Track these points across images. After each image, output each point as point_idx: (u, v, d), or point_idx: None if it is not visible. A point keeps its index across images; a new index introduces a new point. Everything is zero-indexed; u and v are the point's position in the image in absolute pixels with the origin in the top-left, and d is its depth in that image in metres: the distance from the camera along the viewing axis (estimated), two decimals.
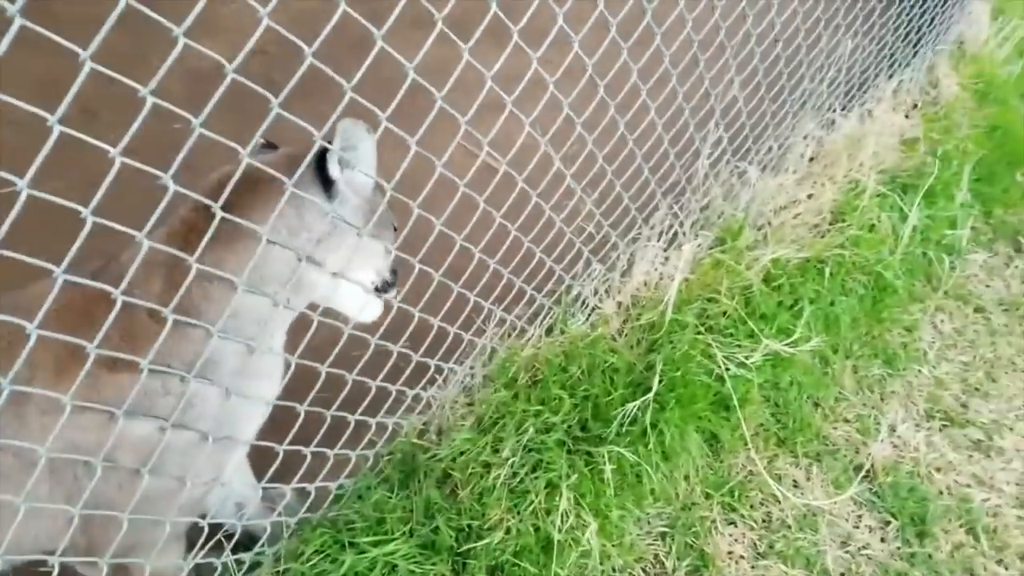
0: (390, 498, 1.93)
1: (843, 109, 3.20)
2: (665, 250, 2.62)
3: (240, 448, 1.55)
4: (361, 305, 1.59)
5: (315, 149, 1.37)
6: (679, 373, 2.21)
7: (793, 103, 2.96)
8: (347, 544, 1.83)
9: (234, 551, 1.74)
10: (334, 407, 1.74)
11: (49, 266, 0.99)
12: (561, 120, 1.89)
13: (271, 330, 1.49)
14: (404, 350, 1.86)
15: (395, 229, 1.62)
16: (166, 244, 1.25)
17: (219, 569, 1.71)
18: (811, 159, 3.03)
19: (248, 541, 1.87)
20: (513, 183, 1.90)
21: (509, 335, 2.28)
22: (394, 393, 1.95)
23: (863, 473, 2.33)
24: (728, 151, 2.76)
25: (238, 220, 1.27)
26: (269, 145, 1.54)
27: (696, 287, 2.52)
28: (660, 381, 2.16)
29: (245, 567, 1.78)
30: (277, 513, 1.78)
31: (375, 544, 1.83)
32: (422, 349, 1.95)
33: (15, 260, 0.93)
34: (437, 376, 2.11)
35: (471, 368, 2.20)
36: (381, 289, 1.61)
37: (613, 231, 2.46)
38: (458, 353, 2.16)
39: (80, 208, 0.96)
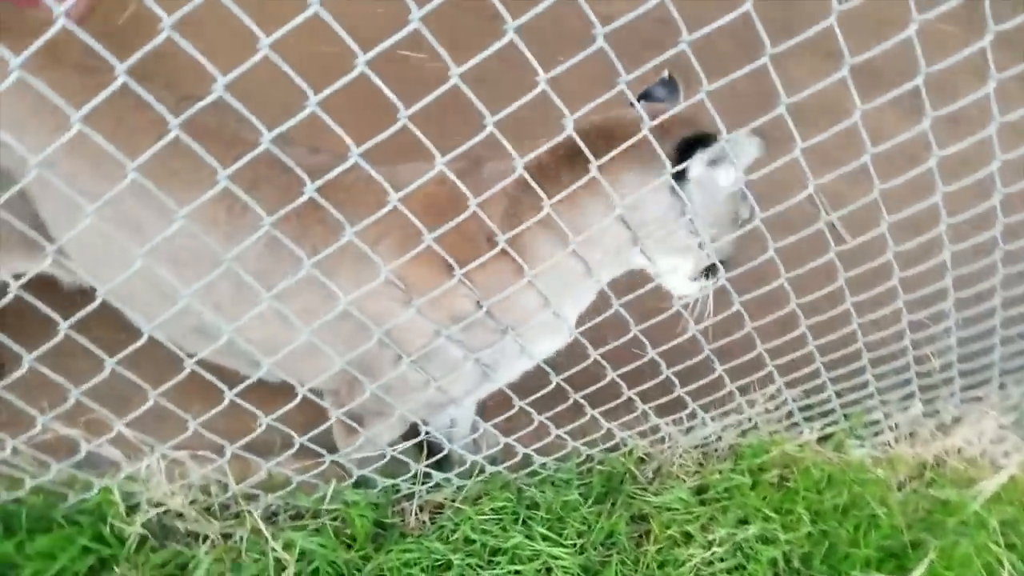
0: (580, 505, 1.82)
1: None
2: (1002, 427, 2.14)
3: (491, 385, 1.52)
4: (676, 284, 1.47)
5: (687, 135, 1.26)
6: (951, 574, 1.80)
7: None
8: (523, 520, 1.76)
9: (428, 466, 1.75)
10: (580, 393, 1.65)
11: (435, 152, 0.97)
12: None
13: (574, 295, 1.42)
14: (672, 376, 1.70)
15: (738, 223, 1.43)
16: (530, 175, 1.19)
17: (412, 472, 1.73)
18: None
19: (438, 464, 1.87)
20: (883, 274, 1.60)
21: (780, 420, 2.02)
22: (639, 409, 1.80)
23: None
24: None
25: (602, 181, 1.18)
26: (668, 82, 1.45)
27: (1021, 490, 2.03)
28: (925, 570, 1.77)
29: (431, 483, 1.79)
30: (483, 452, 1.77)
31: (544, 538, 1.74)
32: (689, 387, 1.76)
33: None
34: (684, 419, 1.92)
35: (722, 429, 1.98)
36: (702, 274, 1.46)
37: (958, 377, 2.04)
38: (717, 403, 1.94)
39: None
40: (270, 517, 1.60)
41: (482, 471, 1.82)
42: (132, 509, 1.50)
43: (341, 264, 1.27)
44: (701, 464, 1.98)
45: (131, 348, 1.22)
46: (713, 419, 1.97)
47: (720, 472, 1.90)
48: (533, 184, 1.19)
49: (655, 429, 1.92)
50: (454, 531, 1.71)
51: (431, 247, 1.18)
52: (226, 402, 1.34)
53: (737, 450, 1.96)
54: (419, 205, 1.15)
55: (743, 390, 1.88)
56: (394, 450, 1.63)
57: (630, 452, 1.92)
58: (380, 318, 1.30)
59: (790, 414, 2.00)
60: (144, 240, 1.09)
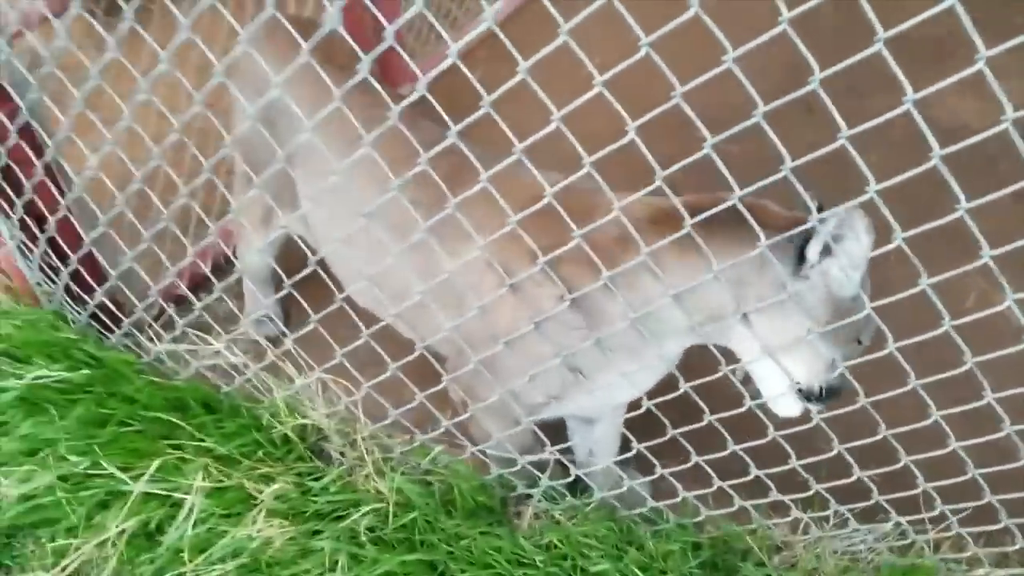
0: (685, 561, 1.74)
1: None
2: None
3: (579, 400, 1.58)
4: (776, 394, 1.41)
5: (807, 225, 1.23)
6: None
7: None
8: (618, 556, 1.74)
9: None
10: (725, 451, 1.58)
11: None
12: None
13: (670, 335, 1.45)
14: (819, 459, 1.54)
15: (859, 343, 1.33)
16: (649, 215, 1.34)
17: (538, 480, 1.83)
18: None
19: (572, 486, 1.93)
20: None
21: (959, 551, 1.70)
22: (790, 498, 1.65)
23: None
24: None
25: (699, 241, 1.24)
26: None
27: None
28: None
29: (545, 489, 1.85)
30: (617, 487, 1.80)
31: None
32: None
33: None
34: (831, 517, 1.72)
35: (874, 540, 1.73)
36: (806, 394, 1.37)
37: None
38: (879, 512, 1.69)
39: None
40: (390, 463, 1.83)
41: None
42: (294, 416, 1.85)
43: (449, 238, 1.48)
44: (845, 572, 1.75)
45: (332, 308, 1.59)
46: (869, 531, 1.74)
47: None
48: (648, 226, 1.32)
49: (796, 524, 1.75)
50: (547, 538, 1.76)
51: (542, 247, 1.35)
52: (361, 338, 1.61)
53: (883, 568, 1.70)
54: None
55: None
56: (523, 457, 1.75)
57: (754, 531, 1.77)
58: (479, 292, 1.49)
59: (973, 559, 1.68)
60: (355, 206, 1.44)
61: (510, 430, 1.70)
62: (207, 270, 1.89)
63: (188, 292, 1.96)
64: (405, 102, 1.25)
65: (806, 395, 1.41)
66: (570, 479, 1.83)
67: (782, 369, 1.35)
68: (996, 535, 1.63)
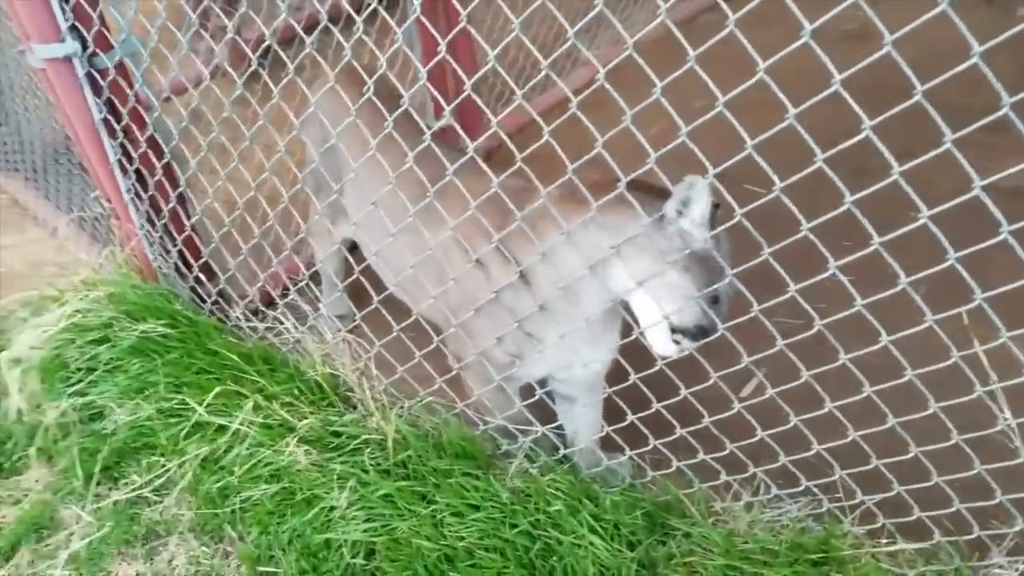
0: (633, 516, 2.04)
1: None
2: None
3: (539, 361, 2.00)
4: (653, 332, 1.75)
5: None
6: None
7: None
8: (577, 508, 2.07)
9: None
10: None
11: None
12: None
13: (584, 289, 1.82)
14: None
15: (717, 301, 1.67)
16: (560, 195, 1.76)
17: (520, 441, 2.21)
18: None
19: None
20: None
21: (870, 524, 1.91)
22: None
23: None
24: None
25: (592, 204, 1.64)
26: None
27: None
28: None
29: (527, 457, 2.22)
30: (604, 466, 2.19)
31: (591, 529, 2.02)
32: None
33: None
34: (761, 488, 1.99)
35: (799, 512, 1.97)
36: (681, 332, 1.69)
37: None
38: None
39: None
40: (396, 409, 2.27)
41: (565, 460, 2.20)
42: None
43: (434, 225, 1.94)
44: (773, 534, 2.00)
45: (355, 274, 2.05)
46: (794, 501, 1.99)
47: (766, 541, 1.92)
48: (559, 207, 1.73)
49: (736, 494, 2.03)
50: (516, 482, 2.13)
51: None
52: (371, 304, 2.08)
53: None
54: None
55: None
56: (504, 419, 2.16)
57: (692, 494, 2.05)
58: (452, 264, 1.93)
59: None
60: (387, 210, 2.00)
61: (489, 386, 2.10)
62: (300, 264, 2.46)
63: (284, 278, 2.53)
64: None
65: (681, 332, 1.72)
66: (559, 455, 2.19)
67: (654, 303, 1.70)
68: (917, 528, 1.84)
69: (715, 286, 1.63)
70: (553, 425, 2.25)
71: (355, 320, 2.45)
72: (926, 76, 1.17)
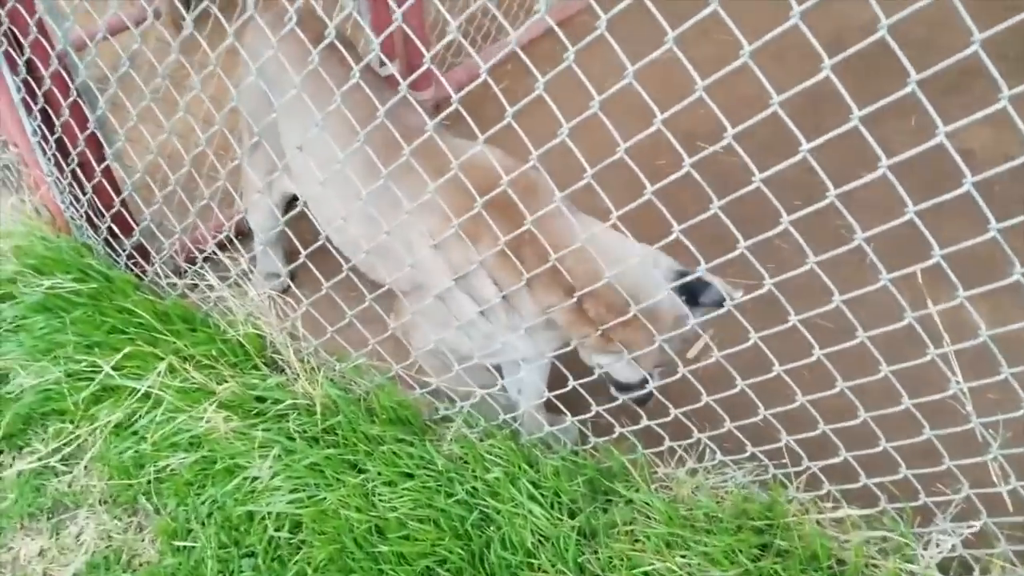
0: (574, 483, 1.96)
1: None
2: None
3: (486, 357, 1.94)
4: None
5: None
6: None
7: None
8: (516, 476, 1.98)
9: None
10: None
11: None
12: None
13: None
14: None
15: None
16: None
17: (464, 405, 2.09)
18: None
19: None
20: None
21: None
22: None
23: None
24: None
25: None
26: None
27: None
28: None
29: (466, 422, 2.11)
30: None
31: (530, 496, 1.92)
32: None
33: None
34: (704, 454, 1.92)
35: (744, 479, 1.90)
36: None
37: None
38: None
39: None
40: (324, 372, 2.12)
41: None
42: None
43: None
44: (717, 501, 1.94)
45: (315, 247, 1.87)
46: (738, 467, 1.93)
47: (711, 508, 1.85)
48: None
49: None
50: (453, 447, 2.02)
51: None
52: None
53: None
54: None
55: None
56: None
57: (635, 461, 1.97)
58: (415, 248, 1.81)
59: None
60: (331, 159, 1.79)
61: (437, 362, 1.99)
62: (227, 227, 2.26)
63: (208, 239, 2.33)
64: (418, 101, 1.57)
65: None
66: (500, 420, 2.08)
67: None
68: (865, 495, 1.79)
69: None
70: (496, 387, 2.13)
71: (282, 279, 2.29)
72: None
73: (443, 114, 1.57)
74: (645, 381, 1.81)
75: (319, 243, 1.93)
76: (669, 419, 1.83)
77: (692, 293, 1.64)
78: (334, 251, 1.97)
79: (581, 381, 1.84)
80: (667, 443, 1.92)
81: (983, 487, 1.63)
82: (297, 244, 2.03)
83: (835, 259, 1.31)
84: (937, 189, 1.13)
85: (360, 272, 2.02)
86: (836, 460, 1.72)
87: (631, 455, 1.97)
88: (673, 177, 1.35)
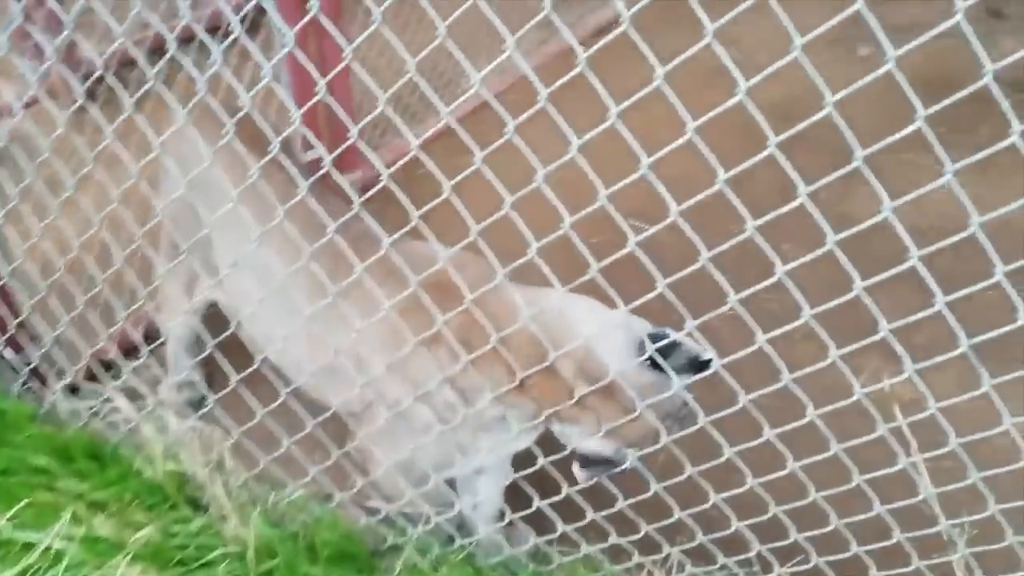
0: None
1: None
2: None
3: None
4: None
5: None
6: None
7: None
8: None
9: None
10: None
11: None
12: None
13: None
14: None
15: None
16: None
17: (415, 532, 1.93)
18: None
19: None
20: None
21: None
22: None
23: None
24: None
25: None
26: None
27: None
28: None
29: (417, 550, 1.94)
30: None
31: None
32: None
33: None
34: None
35: None
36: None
37: None
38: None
39: None
40: (258, 510, 1.91)
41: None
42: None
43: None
44: None
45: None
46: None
47: None
48: None
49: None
50: None
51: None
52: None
53: None
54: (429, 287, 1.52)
55: None
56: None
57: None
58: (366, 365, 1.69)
59: None
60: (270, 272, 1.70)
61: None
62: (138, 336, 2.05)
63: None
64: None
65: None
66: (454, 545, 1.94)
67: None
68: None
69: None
70: (453, 508, 1.95)
71: (196, 389, 2.08)
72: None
73: (373, 190, 1.44)
74: (618, 458, 1.69)
75: (255, 367, 1.77)
76: (639, 536, 1.73)
77: (667, 357, 1.52)
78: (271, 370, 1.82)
79: (547, 501, 1.73)
80: (636, 558, 1.82)
81: None
82: (223, 365, 1.84)
83: (786, 335, 1.28)
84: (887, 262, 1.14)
85: (299, 391, 1.85)
86: (807, 567, 1.67)
87: (597, 573, 1.86)
88: (616, 256, 1.30)
